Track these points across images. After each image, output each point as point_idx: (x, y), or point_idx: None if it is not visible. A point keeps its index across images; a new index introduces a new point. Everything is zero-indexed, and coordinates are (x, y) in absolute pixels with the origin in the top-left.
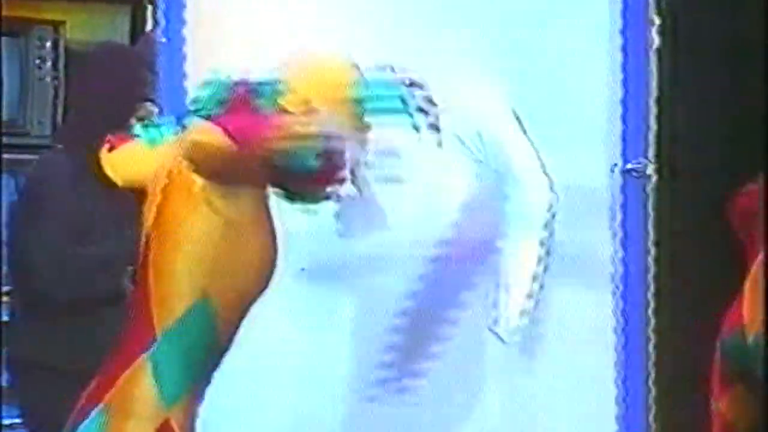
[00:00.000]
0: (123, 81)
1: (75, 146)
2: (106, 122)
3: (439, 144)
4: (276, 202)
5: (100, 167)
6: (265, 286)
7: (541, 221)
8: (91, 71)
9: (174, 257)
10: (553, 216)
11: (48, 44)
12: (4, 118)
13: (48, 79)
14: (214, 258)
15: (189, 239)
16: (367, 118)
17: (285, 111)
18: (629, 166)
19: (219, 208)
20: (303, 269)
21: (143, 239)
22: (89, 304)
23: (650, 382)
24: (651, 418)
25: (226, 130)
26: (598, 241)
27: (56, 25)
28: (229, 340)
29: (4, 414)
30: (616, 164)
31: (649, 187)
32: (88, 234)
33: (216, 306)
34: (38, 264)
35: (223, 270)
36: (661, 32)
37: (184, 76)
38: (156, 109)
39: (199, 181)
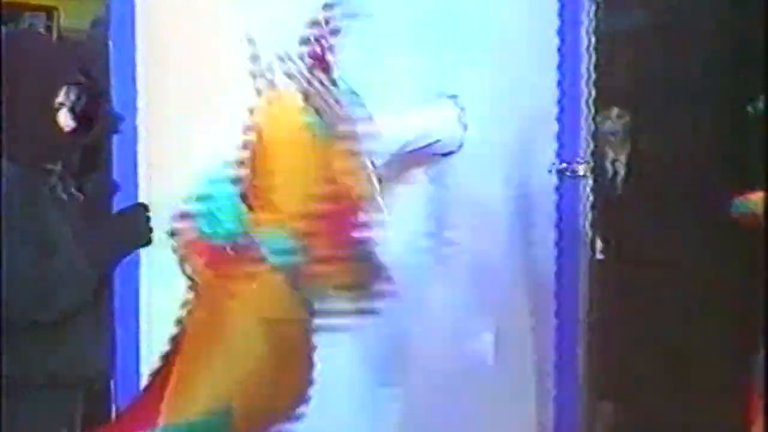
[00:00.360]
0: (40, 72)
1: (11, 154)
2: (33, 123)
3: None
4: None
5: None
6: (293, 416)
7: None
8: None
9: (206, 361)
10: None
11: None
12: None
13: None
14: (248, 380)
15: (228, 351)
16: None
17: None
18: (564, 165)
19: (265, 333)
20: None
21: (177, 327)
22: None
23: (584, 383)
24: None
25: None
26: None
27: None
28: None
29: None
30: (554, 164)
31: (586, 187)
32: (46, 246)
33: (235, 422)
34: None
35: (253, 390)
36: (596, 33)
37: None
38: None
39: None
